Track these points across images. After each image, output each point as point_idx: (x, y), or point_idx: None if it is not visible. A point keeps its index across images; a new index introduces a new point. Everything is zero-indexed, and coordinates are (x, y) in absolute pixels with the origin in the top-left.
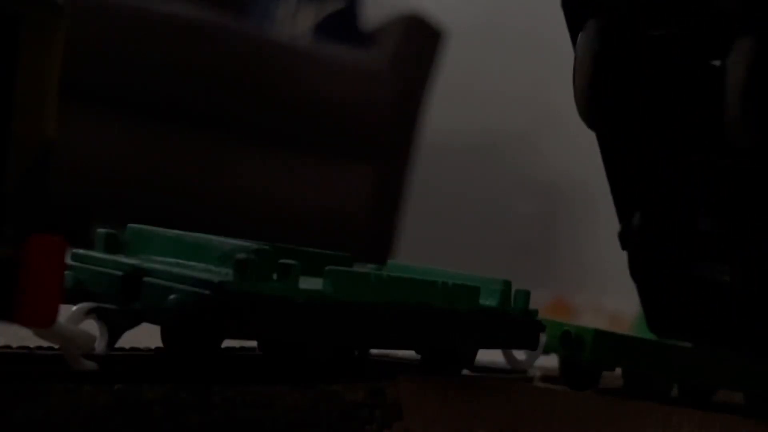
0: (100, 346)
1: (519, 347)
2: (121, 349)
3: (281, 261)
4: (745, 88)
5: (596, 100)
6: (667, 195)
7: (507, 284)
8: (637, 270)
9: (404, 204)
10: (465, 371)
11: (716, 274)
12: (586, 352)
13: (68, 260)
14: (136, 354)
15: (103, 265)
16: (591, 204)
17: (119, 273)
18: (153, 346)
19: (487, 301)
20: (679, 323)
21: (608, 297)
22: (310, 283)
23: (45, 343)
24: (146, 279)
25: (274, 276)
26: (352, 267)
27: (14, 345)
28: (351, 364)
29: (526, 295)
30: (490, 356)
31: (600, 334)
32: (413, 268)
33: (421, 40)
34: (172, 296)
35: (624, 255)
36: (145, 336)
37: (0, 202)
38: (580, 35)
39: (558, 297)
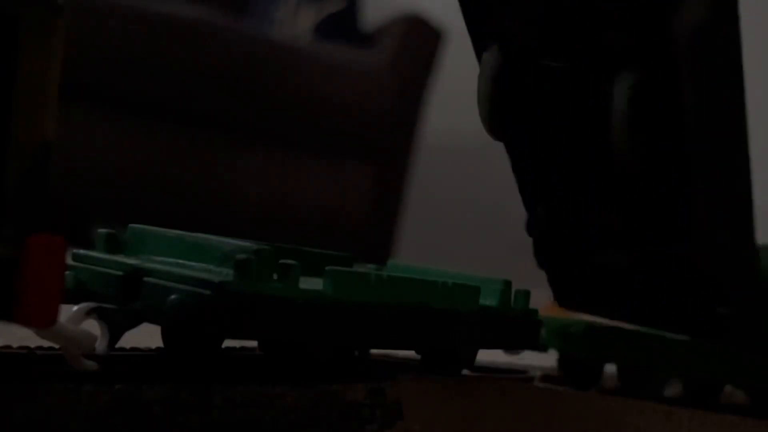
0: (100, 346)
1: (519, 347)
2: (122, 349)
3: (281, 261)
4: (627, 117)
5: (497, 116)
6: (564, 191)
7: (507, 284)
8: (540, 254)
9: (404, 204)
10: (465, 371)
11: (609, 257)
12: (583, 346)
13: (68, 260)
14: (136, 354)
15: (103, 265)
16: None
17: (119, 273)
18: (153, 346)
19: (487, 301)
20: (580, 299)
21: None
22: (310, 283)
23: (45, 343)
24: (146, 279)
25: (275, 276)
26: (352, 267)
27: (14, 345)
28: (351, 364)
29: (526, 295)
30: (490, 356)
31: (594, 328)
32: (413, 268)
33: (421, 40)
34: (172, 296)
35: None
36: (146, 336)
37: (0, 202)
38: (483, 56)
39: None
